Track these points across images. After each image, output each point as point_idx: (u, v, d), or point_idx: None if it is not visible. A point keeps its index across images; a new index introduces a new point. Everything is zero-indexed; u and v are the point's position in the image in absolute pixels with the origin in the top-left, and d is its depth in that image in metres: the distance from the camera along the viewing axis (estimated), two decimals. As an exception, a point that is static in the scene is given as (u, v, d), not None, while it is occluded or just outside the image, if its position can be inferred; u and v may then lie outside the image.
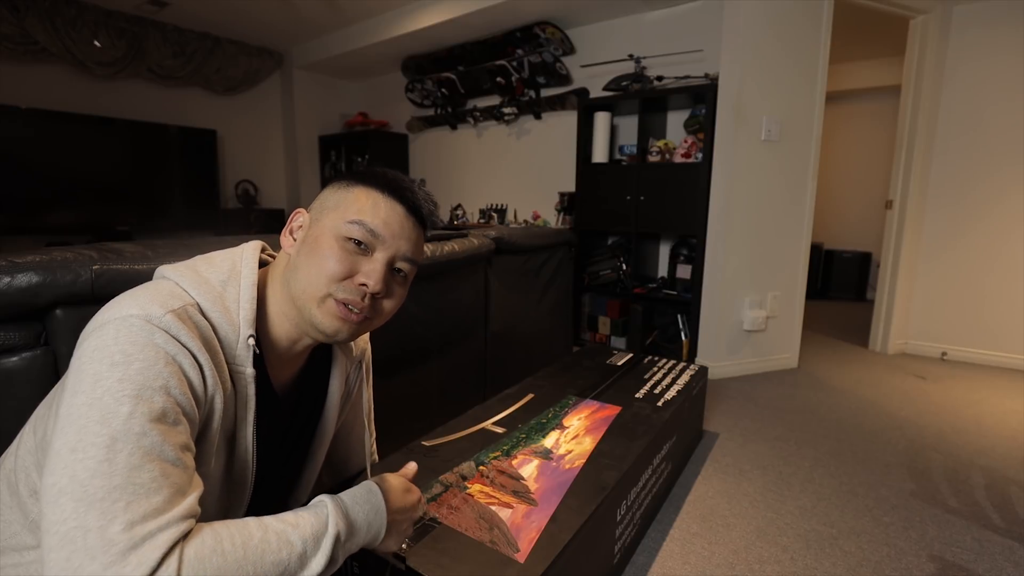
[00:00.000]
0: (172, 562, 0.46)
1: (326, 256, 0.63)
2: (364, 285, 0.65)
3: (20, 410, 0.82)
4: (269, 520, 0.55)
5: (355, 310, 0.65)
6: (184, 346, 0.55)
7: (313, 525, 0.56)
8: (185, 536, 0.48)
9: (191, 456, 0.53)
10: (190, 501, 0.50)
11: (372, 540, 0.65)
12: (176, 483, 0.50)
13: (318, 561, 0.55)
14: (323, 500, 0.61)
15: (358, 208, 0.65)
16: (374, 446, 1.01)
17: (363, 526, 0.63)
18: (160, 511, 0.47)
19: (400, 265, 0.69)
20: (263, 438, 0.68)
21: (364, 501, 0.64)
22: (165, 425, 0.51)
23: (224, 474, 0.64)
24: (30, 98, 3.38)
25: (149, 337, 0.53)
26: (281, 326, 0.68)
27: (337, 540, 0.58)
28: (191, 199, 4.14)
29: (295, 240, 0.69)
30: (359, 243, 0.65)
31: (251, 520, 0.54)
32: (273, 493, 0.62)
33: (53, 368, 0.86)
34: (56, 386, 0.63)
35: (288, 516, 0.57)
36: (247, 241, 0.73)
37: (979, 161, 2.92)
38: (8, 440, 0.69)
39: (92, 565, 0.43)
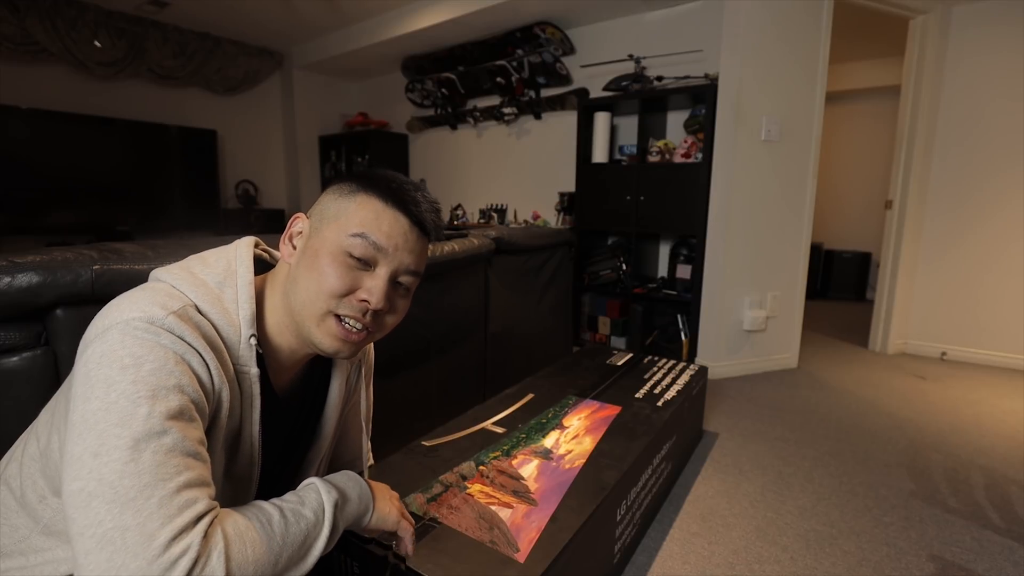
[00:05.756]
0: (218, 541, 0.48)
1: (326, 272, 0.62)
2: (365, 301, 0.63)
3: (20, 410, 0.82)
4: (277, 501, 0.59)
5: (356, 328, 0.64)
6: (190, 345, 0.55)
7: (313, 499, 0.61)
8: (214, 520, 0.51)
9: (206, 450, 0.55)
10: (212, 490, 0.53)
11: (363, 511, 0.68)
12: (200, 475, 0.52)
13: (326, 528, 0.59)
14: (310, 480, 0.64)
15: (360, 220, 0.63)
16: (368, 446, 1.01)
17: (353, 496, 0.66)
18: (192, 502, 0.49)
19: (403, 279, 0.67)
20: (264, 440, 0.68)
21: (345, 476, 0.68)
22: (182, 422, 0.51)
23: (225, 471, 0.64)
24: (30, 98, 3.38)
25: (155, 339, 0.53)
26: (282, 335, 0.67)
27: (336, 506, 0.62)
28: (191, 199, 4.14)
29: (295, 248, 0.67)
30: (361, 259, 0.63)
31: (263, 503, 0.57)
32: (272, 494, 0.62)
33: (53, 368, 0.86)
34: (58, 393, 0.63)
35: (290, 496, 0.61)
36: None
37: (979, 161, 2.92)
38: (8, 441, 0.69)
39: (136, 562, 0.44)
